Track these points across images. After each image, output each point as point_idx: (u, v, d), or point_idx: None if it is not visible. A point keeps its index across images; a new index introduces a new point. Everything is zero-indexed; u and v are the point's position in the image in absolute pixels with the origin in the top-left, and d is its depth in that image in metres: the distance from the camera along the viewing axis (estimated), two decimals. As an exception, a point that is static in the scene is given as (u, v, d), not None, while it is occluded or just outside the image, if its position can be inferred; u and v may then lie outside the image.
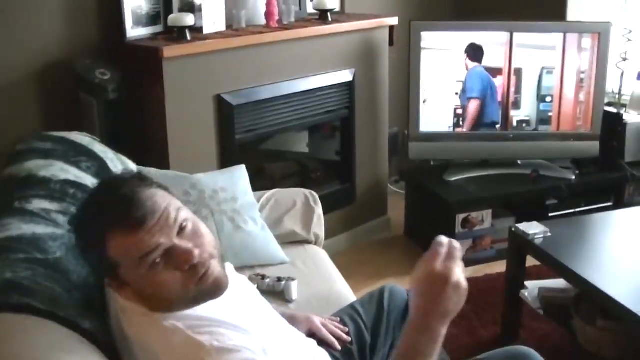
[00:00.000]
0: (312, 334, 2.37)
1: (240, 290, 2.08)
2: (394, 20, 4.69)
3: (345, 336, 2.42)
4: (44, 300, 1.78)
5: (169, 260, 1.71)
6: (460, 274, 1.71)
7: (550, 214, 4.58)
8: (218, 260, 1.81)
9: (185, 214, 1.79)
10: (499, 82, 4.64)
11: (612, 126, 4.77)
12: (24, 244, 1.99)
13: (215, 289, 1.79)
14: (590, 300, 3.25)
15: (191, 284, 1.74)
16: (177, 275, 1.72)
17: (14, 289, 1.78)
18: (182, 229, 1.75)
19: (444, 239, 1.74)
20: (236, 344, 1.71)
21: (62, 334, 1.73)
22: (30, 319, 1.72)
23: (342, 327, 2.47)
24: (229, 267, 2.17)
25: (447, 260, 1.71)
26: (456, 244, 1.76)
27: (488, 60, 4.61)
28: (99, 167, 2.66)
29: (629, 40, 4.77)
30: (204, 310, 1.80)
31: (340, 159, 4.79)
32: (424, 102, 4.64)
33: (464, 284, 1.71)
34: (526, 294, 3.51)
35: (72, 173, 2.49)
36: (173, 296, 1.74)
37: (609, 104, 4.88)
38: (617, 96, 4.88)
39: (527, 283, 3.57)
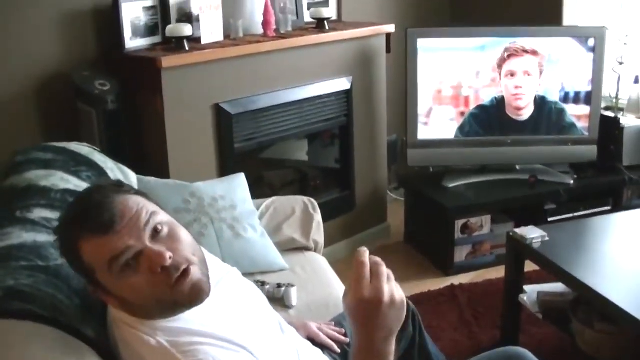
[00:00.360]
0: (310, 340, 2.37)
1: (240, 297, 2.07)
2: (390, 28, 4.72)
3: (342, 338, 2.45)
4: (46, 306, 1.79)
5: (141, 264, 1.69)
6: (390, 290, 1.62)
7: (549, 219, 4.60)
8: (198, 266, 1.77)
9: (161, 218, 1.77)
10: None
11: (609, 130, 4.79)
12: (25, 252, 2.01)
13: (193, 296, 1.75)
14: (589, 304, 3.25)
15: (165, 288, 1.71)
16: (150, 279, 1.70)
17: (16, 295, 1.79)
18: (156, 233, 1.74)
19: (364, 257, 1.64)
20: None
21: (63, 339, 1.74)
22: (33, 325, 1.73)
23: (338, 329, 2.49)
24: (235, 273, 2.18)
25: (373, 280, 1.62)
26: (378, 259, 1.66)
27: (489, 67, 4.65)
28: (99, 176, 2.69)
29: (625, 44, 4.79)
30: (192, 320, 1.78)
31: (339, 166, 4.81)
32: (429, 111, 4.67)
33: (398, 297, 1.63)
34: (525, 298, 3.52)
35: (72, 182, 2.51)
36: (149, 301, 1.72)
37: (607, 108, 4.90)
38: (614, 100, 4.90)
39: (526, 287, 3.58)
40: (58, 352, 1.69)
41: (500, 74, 4.66)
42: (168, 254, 1.70)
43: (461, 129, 4.74)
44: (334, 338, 2.45)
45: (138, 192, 1.82)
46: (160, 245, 1.71)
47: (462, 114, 4.73)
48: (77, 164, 2.67)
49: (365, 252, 1.65)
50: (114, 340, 1.84)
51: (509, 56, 4.62)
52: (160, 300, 1.72)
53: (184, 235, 1.80)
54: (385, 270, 1.64)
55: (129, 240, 1.68)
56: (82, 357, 1.73)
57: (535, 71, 4.65)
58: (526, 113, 4.72)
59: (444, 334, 3.73)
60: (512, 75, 4.66)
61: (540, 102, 4.70)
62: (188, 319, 1.78)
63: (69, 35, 3.74)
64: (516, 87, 4.68)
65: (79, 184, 2.50)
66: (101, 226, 1.67)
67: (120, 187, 1.81)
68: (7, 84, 3.60)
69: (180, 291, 1.72)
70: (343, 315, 2.60)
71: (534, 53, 4.61)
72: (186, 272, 1.72)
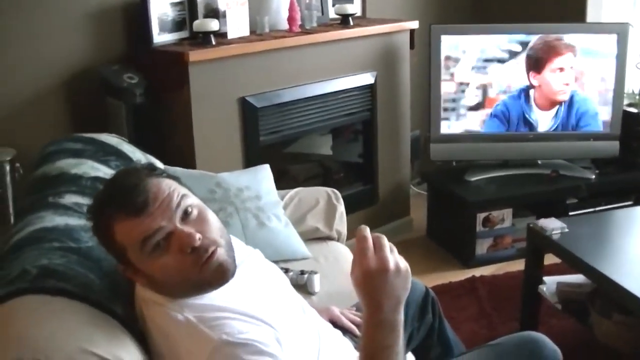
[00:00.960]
0: (333, 323, 2.43)
1: (263, 278, 2.14)
2: (414, 24, 4.76)
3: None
4: (78, 284, 1.87)
5: (172, 244, 1.77)
6: (394, 259, 1.70)
7: (570, 213, 4.60)
8: (224, 248, 1.85)
9: (191, 201, 1.85)
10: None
11: (632, 126, 4.81)
12: (57, 234, 2.08)
13: (219, 276, 1.84)
14: (607, 295, 3.28)
15: (194, 268, 1.79)
16: (179, 259, 1.77)
17: (50, 274, 1.87)
18: (187, 214, 1.82)
19: (365, 232, 1.72)
20: (246, 337, 1.75)
21: (95, 315, 1.82)
22: (67, 301, 1.81)
23: (360, 314, 2.54)
24: (258, 254, 2.26)
25: (377, 251, 1.69)
26: (379, 234, 1.73)
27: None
28: (128, 165, 2.75)
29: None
30: (218, 298, 1.85)
31: (362, 161, 4.87)
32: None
33: (403, 266, 1.71)
34: (544, 289, 3.56)
35: (102, 171, 2.58)
36: (178, 280, 1.80)
37: (629, 105, 4.93)
38: (637, 97, 4.92)
39: (545, 279, 3.62)
40: (91, 326, 1.76)
41: (538, 70, 4.69)
42: (197, 235, 1.78)
43: (484, 123, 4.78)
44: (356, 322, 2.50)
45: (169, 176, 1.90)
46: (190, 227, 1.80)
47: (485, 109, 4.77)
48: (106, 154, 2.75)
49: (366, 228, 1.73)
50: (141, 318, 1.91)
51: (554, 53, 4.66)
52: (188, 279, 1.80)
53: (212, 218, 1.88)
54: (387, 242, 1.71)
55: (161, 221, 1.77)
56: (113, 331, 1.80)
57: (574, 67, 4.69)
58: (555, 108, 4.76)
59: (463, 325, 3.78)
60: (561, 70, 4.69)
61: (568, 99, 4.74)
62: (213, 297, 1.85)
63: (98, 31, 3.83)
64: (565, 84, 4.71)
65: (108, 172, 2.56)
66: (135, 208, 1.76)
67: (152, 170, 1.90)
68: (38, 78, 3.69)
69: (207, 271, 1.81)
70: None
71: (573, 49, 4.65)
72: (214, 253, 1.81)
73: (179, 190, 1.85)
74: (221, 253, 1.83)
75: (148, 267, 1.80)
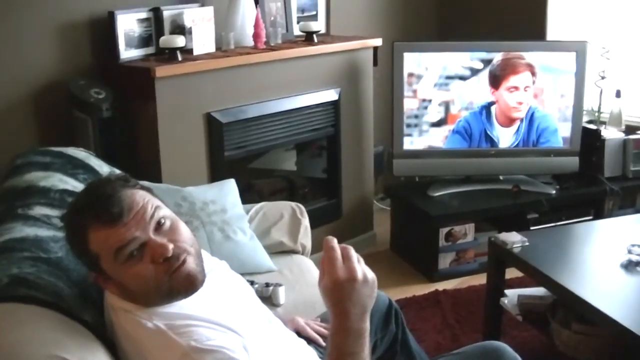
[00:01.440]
0: (297, 333, 2.47)
1: (230, 287, 2.19)
2: (377, 42, 4.83)
3: (328, 332, 2.54)
4: (48, 293, 1.90)
5: (144, 254, 1.83)
6: (362, 269, 1.75)
7: (531, 227, 4.66)
8: (194, 257, 1.91)
9: (164, 213, 1.91)
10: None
11: (591, 142, 4.91)
12: (27, 244, 2.11)
13: (188, 284, 1.89)
14: (567, 306, 3.34)
15: (165, 277, 1.84)
16: (151, 268, 1.83)
17: (21, 282, 1.90)
18: (160, 225, 1.87)
19: (333, 242, 1.77)
20: (214, 344, 1.79)
21: (65, 322, 1.85)
22: (38, 309, 1.84)
23: (324, 325, 2.59)
24: (224, 265, 2.30)
25: (345, 262, 1.75)
26: (346, 245, 1.79)
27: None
28: (100, 177, 2.78)
29: (607, 59, 4.90)
30: (187, 306, 1.90)
31: (326, 176, 4.91)
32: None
33: (370, 275, 1.76)
34: (506, 301, 3.61)
35: (70, 184, 2.60)
36: (149, 288, 1.84)
37: (589, 122, 5.01)
38: (596, 114, 5.01)
39: (506, 291, 3.67)
40: (62, 333, 1.80)
41: (496, 87, 4.77)
42: (170, 246, 1.84)
43: (446, 139, 4.84)
44: (320, 333, 2.55)
45: (143, 187, 1.96)
46: (163, 237, 1.86)
47: (447, 125, 4.84)
48: (74, 167, 2.77)
49: (333, 239, 1.77)
50: (110, 326, 1.95)
51: (510, 71, 4.74)
52: (159, 287, 1.85)
53: (184, 229, 1.94)
54: (354, 253, 1.77)
55: (135, 231, 1.82)
56: (83, 338, 1.84)
57: (531, 86, 4.78)
58: (516, 125, 4.84)
59: (427, 336, 3.83)
60: (515, 89, 4.77)
61: (529, 115, 4.82)
62: (182, 305, 1.90)
63: (66, 46, 3.84)
64: (518, 103, 4.80)
65: (76, 185, 2.60)
66: (110, 218, 1.81)
67: (126, 181, 1.94)
68: (5, 92, 3.69)
69: (177, 279, 1.86)
70: (328, 313, 2.71)
71: (531, 68, 4.73)
72: (184, 261, 1.87)
73: (152, 202, 1.90)
74: (190, 261, 1.89)
75: (120, 276, 1.84)
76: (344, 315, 1.74)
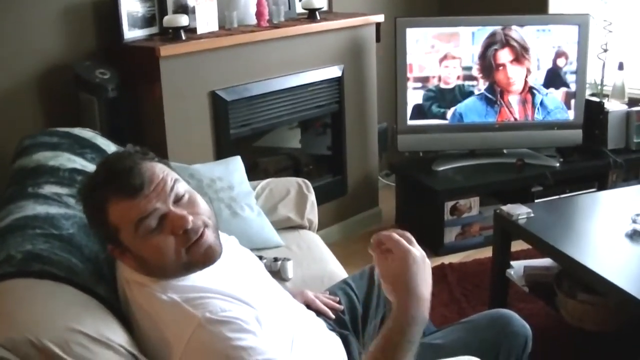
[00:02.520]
0: (307, 305, 2.50)
1: (240, 261, 2.22)
2: (380, 18, 4.83)
3: (337, 305, 2.57)
4: (62, 268, 1.93)
5: (164, 226, 1.85)
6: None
7: (536, 200, 4.69)
8: (212, 230, 1.94)
9: (183, 186, 1.94)
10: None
11: (594, 115, 4.92)
12: (39, 222, 2.14)
13: (207, 256, 1.92)
14: (572, 276, 3.37)
15: (183, 249, 1.87)
16: (171, 240, 1.86)
17: (35, 258, 1.93)
18: (178, 198, 1.90)
19: (385, 232, 1.85)
20: (228, 315, 1.82)
21: (80, 296, 1.88)
22: (52, 284, 1.87)
23: (333, 297, 2.62)
24: (233, 240, 2.33)
25: (411, 244, 1.83)
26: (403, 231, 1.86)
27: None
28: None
29: (610, 32, 4.90)
30: (200, 280, 1.92)
31: (331, 153, 4.93)
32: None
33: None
34: (512, 272, 3.63)
35: (78, 163, 2.63)
36: (167, 260, 1.87)
37: (592, 95, 5.03)
38: (599, 86, 5.02)
39: (512, 263, 3.69)
40: (77, 307, 1.83)
41: (492, 62, 4.78)
42: (190, 218, 1.87)
43: (449, 114, 4.86)
44: (329, 305, 2.58)
45: (161, 161, 1.98)
46: (182, 209, 1.88)
47: (450, 99, 4.85)
48: (81, 147, 2.79)
49: (381, 232, 1.86)
50: (124, 299, 1.98)
51: (498, 47, 4.75)
52: (178, 260, 1.88)
53: (201, 202, 1.98)
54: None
55: (156, 203, 1.85)
56: (98, 312, 1.87)
57: (522, 59, 4.78)
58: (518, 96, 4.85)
59: (434, 311, 3.76)
60: (503, 66, 4.78)
61: (529, 88, 4.83)
62: (195, 278, 1.93)
63: (70, 27, 3.85)
64: (508, 78, 4.81)
65: (85, 164, 2.63)
66: (132, 190, 1.83)
67: (145, 154, 1.97)
68: (12, 74, 3.70)
69: (196, 252, 1.90)
70: (337, 286, 2.74)
71: (519, 42, 4.74)
72: (203, 234, 1.90)
73: (171, 175, 1.93)
74: (209, 234, 1.92)
75: (139, 248, 1.87)
76: (415, 299, 1.79)
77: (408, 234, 1.85)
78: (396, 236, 1.82)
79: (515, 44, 4.73)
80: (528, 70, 4.79)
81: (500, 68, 4.79)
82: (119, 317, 1.92)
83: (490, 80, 4.81)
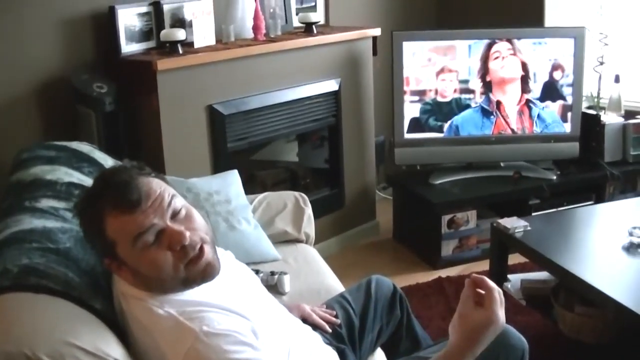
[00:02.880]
0: (303, 319, 2.51)
1: (236, 276, 2.22)
2: (376, 31, 4.84)
3: (334, 319, 2.57)
4: (59, 282, 1.93)
5: (162, 241, 1.86)
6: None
7: (533, 213, 4.67)
8: (210, 246, 1.95)
9: (179, 201, 1.95)
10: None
11: (591, 127, 4.93)
12: (36, 235, 2.14)
13: (206, 273, 1.93)
14: (569, 289, 3.38)
15: (181, 265, 1.88)
16: (169, 256, 1.86)
17: (31, 272, 1.93)
18: (175, 213, 1.90)
19: (489, 282, 1.89)
20: (225, 328, 1.82)
21: (76, 310, 1.88)
22: (48, 298, 1.87)
23: (330, 311, 2.62)
24: (229, 255, 2.33)
25: (501, 306, 1.88)
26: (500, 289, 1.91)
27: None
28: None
29: (605, 44, 4.91)
30: (197, 294, 1.93)
31: (328, 166, 4.93)
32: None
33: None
34: (509, 286, 3.65)
35: (75, 176, 2.64)
36: (164, 276, 1.87)
37: (589, 107, 5.03)
38: (595, 99, 5.03)
39: (509, 276, 3.71)
40: (74, 321, 1.83)
41: (485, 74, 4.79)
42: (187, 233, 1.88)
43: (446, 127, 4.86)
44: (326, 319, 2.57)
45: (157, 176, 1.99)
46: (179, 225, 1.89)
47: (447, 112, 4.85)
48: (79, 161, 2.80)
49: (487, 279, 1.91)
50: (120, 313, 1.98)
51: (494, 60, 4.76)
52: (175, 275, 1.89)
53: (198, 218, 1.98)
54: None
55: (153, 218, 1.85)
56: (94, 325, 1.87)
57: (518, 71, 4.78)
58: (515, 107, 4.85)
59: (432, 323, 3.85)
60: (499, 78, 4.79)
61: (526, 101, 4.83)
62: (191, 293, 1.93)
63: (68, 40, 3.86)
64: (505, 90, 4.81)
65: (82, 178, 2.63)
66: (129, 204, 1.84)
67: (141, 169, 1.98)
68: (9, 87, 3.71)
69: (194, 269, 1.91)
70: (334, 300, 2.74)
71: (516, 55, 4.75)
72: (202, 250, 1.91)
73: (168, 190, 1.94)
74: (208, 251, 1.93)
75: (136, 262, 1.87)
76: (472, 354, 1.89)
77: (502, 296, 1.90)
78: (497, 295, 1.87)
79: (512, 56, 4.74)
80: (524, 83, 4.79)
81: (497, 80, 4.78)
82: (115, 331, 1.92)
83: (487, 92, 4.80)
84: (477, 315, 1.86)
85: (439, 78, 4.81)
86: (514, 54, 4.76)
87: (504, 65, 4.78)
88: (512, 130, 4.87)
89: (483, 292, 1.88)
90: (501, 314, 1.86)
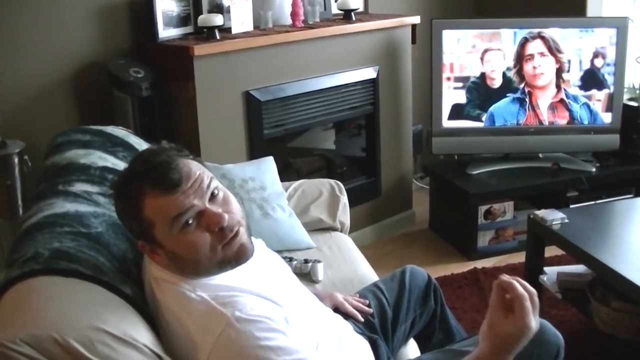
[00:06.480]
0: (336, 308, 2.50)
1: (268, 263, 2.21)
2: (415, 19, 4.81)
3: (367, 309, 2.55)
4: (89, 266, 1.92)
5: (200, 222, 1.85)
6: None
7: (571, 206, 4.64)
8: (245, 229, 1.94)
9: (218, 184, 1.93)
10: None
11: (632, 119, 4.86)
12: (68, 219, 2.13)
13: (240, 254, 1.92)
14: (606, 283, 3.33)
15: (218, 246, 1.87)
16: (206, 237, 1.85)
17: (62, 256, 1.93)
18: (213, 196, 1.89)
19: (518, 289, 1.81)
20: (257, 314, 1.81)
21: (106, 295, 1.88)
22: (78, 282, 1.87)
23: (363, 300, 2.60)
24: (260, 243, 2.32)
25: (533, 312, 1.82)
26: (533, 290, 1.84)
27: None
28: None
29: (648, 36, 4.86)
30: (229, 279, 1.92)
31: (365, 154, 4.91)
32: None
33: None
34: (545, 279, 3.60)
35: (110, 161, 2.63)
36: (201, 257, 1.86)
37: (631, 99, 4.97)
38: (637, 91, 4.97)
39: (545, 269, 3.66)
40: (102, 305, 1.82)
41: (523, 65, 4.74)
42: (225, 215, 1.86)
43: (485, 117, 4.82)
44: (359, 308, 2.56)
45: (195, 158, 1.97)
46: (217, 207, 1.88)
47: (486, 103, 4.81)
48: (113, 145, 2.79)
49: (516, 283, 1.83)
50: (151, 298, 1.97)
51: (533, 50, 4.71)
52: (212, 256, 1.88)
53: (234, 202, 1.97)
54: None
55: (193, 199, 1.84)
56: (123, 311, 1.86)
57: (557, 61, 4.73)
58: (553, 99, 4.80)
59: (465, 315, 3.83)
60: (538, 68, 4.74)
61: (565, 92, 4.78)
62: (223, 278, 1.92)
63: (105, 26, 3.88)
64: (543, 80, 4.76)
65: (116, 163, 2.62)
66: (170, 185, 1.82)
67: (180, 151, 1.96)
68: (47, 72, 3.74)
69: (230, 250, 1.89)
70: (367, 289, 2.72)
71: (555, 45, 4.69)
72: (237, 232, 1.90)
73: (207, 173, 1.93)
74: (243, 233, 1.92)
75: (173, 244, 1.86)
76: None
77: (536, 298, 1.84)
78: (527, 304, 1.80)
79: (550, 46, 4.68)
80: (563, 73, 4.73)
81: (535, 70, 4.73)
82: (144, 317, 1.92)
83: (524, 84, 4.75)
84: (507, 327, 1.80)
85: (485, 59, 4.75)
86: (548, 52, 4.70)
87: (537, 67, 4.73)
88: (551, 121, 4.80)
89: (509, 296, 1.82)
90: (534, 322, 1.80)
